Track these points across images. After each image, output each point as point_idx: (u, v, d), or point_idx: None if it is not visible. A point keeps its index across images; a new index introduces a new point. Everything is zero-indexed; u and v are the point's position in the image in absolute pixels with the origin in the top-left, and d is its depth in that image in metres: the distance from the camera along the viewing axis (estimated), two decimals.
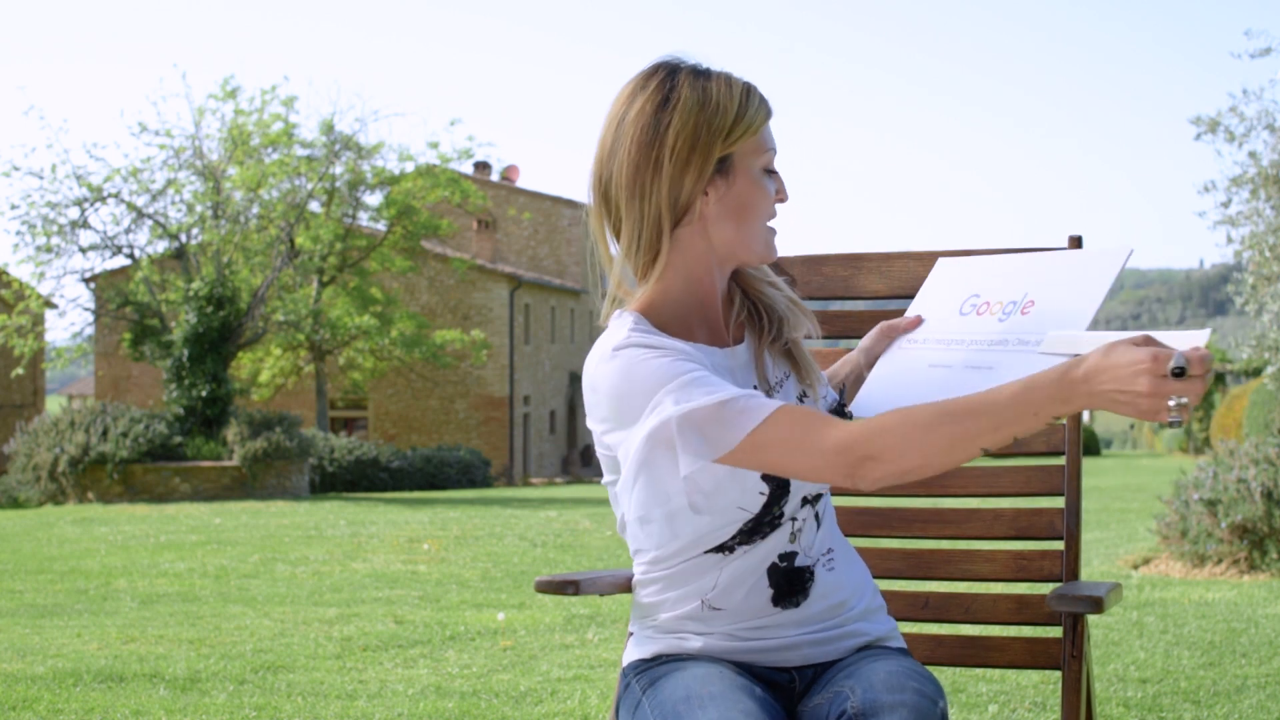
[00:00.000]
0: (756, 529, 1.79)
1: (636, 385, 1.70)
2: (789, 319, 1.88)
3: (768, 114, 1.81)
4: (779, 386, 1.86)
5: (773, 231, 1.85)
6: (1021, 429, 1.58)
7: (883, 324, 2.05)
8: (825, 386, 1.94)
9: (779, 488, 1.77)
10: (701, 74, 1.80)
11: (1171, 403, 1.50)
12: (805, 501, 1.83)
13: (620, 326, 1.79)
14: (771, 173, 1.84)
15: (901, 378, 1.95)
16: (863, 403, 1.95)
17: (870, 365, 2.05)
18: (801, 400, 1.87)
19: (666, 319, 1.82)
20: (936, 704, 1.68)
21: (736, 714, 1.64)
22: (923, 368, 1.93)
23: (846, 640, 1.86)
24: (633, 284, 1.84)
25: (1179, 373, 1.49)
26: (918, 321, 2.02)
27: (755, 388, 1.83)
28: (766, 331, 1.87)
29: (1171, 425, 1.53)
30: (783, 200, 1.85)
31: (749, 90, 1.80)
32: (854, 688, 1.70)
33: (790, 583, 1.82)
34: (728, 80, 1.80)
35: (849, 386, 2.06)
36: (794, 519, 1.82)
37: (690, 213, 1.78)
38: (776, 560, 1.81)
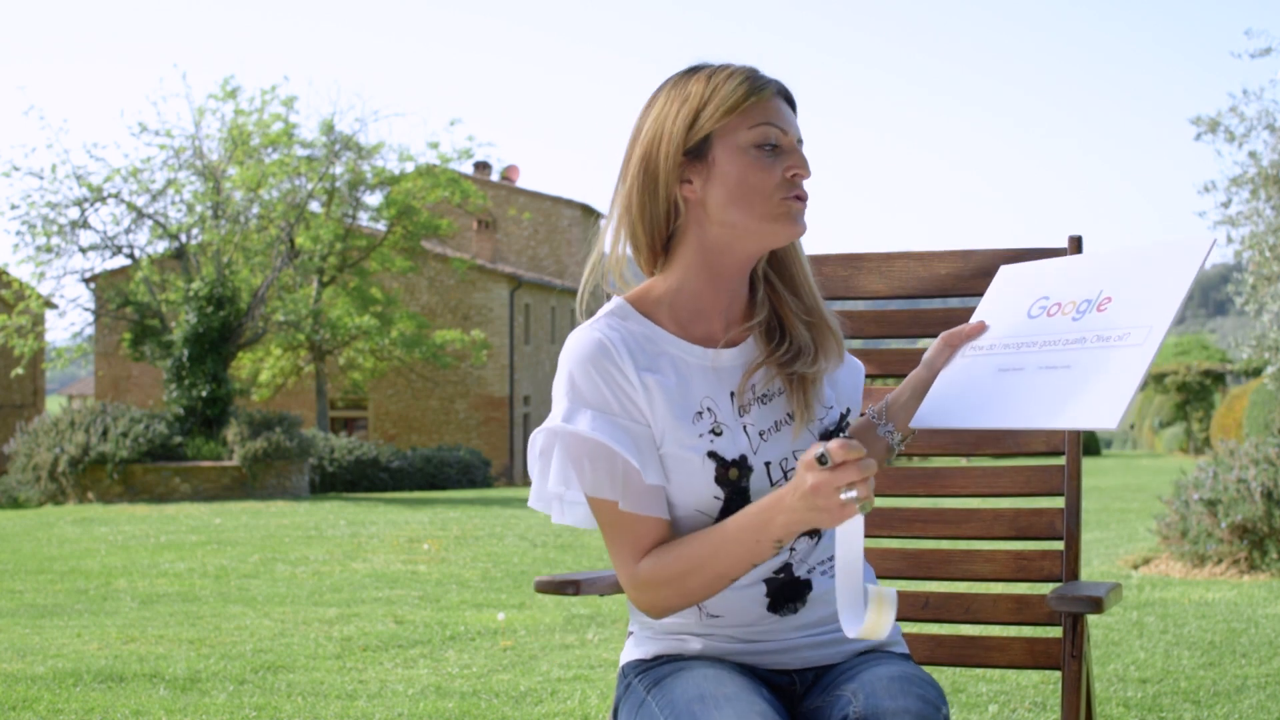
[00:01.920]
0: None
1: (560, 379, 1.78)
2: (808, 354, 1.82)
3: (753, 89, 1.77)
4: (763, 401, 1.81)
5: (790, 202, 1.77)
6: (765, 559, 1.68)
7: (944, 335, 1.93)
8: (830, 409, 1.87)
9: (736, 494, 1.75)
10: (693, 70, 1.80)
11: (843, 496, 1.55)
12: (806, 532, 1.79)
13: (601, 311, 1.83)
14: (773, 148, 1.77)
15: (969, 385, 1.86)
16: (928, 414, 1.88)
17: (935, 379, 1.94)
18: (790, 419, 1.81)
19: (659, 308, 1.82)
20: (939, 710, 1.67)
21: (753, 715, 1.63)
22: (991, 373, 1.85)
23: (848, 644, 1.84)
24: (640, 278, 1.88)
25: (823, 461, 1.56)
26: (981, 328, 1.92)
27: (732, 395, 1.80)
28: (776, 352, 1.82)
29: (864, 512, 1.57)
30: (799, 175, 1.77)
31: (731, 73, 1.78)
32: (856, 692, 1.69)
33: (787, 592, 1.81)
34: (711, 71, 1.79)
35: (911, 403, 1.93)
36: (792, 548, 1.81)
37: (675, 204, 1.79)
38: (773, 573, 1.80)
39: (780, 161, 1.77)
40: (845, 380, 1.93)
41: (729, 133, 1.76)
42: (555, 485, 1.75)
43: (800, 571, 1.82)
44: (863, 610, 1.62)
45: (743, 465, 1.76)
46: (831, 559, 1.84)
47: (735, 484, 1.75)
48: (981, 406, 1.82)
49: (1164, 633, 5.67)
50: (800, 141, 1.81)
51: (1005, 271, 2.02)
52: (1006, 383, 1.81)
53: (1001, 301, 1.97)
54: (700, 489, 1.75)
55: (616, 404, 1.74)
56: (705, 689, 1.70)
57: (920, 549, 2.41)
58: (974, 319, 1.95)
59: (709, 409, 1.78)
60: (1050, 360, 1.78)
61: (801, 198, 1.78)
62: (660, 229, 1.81)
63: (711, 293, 1.82)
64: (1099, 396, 1.68)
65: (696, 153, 1.77)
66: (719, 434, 1.77)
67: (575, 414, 1.74)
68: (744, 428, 1.78)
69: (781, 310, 1.85)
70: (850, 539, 1.61)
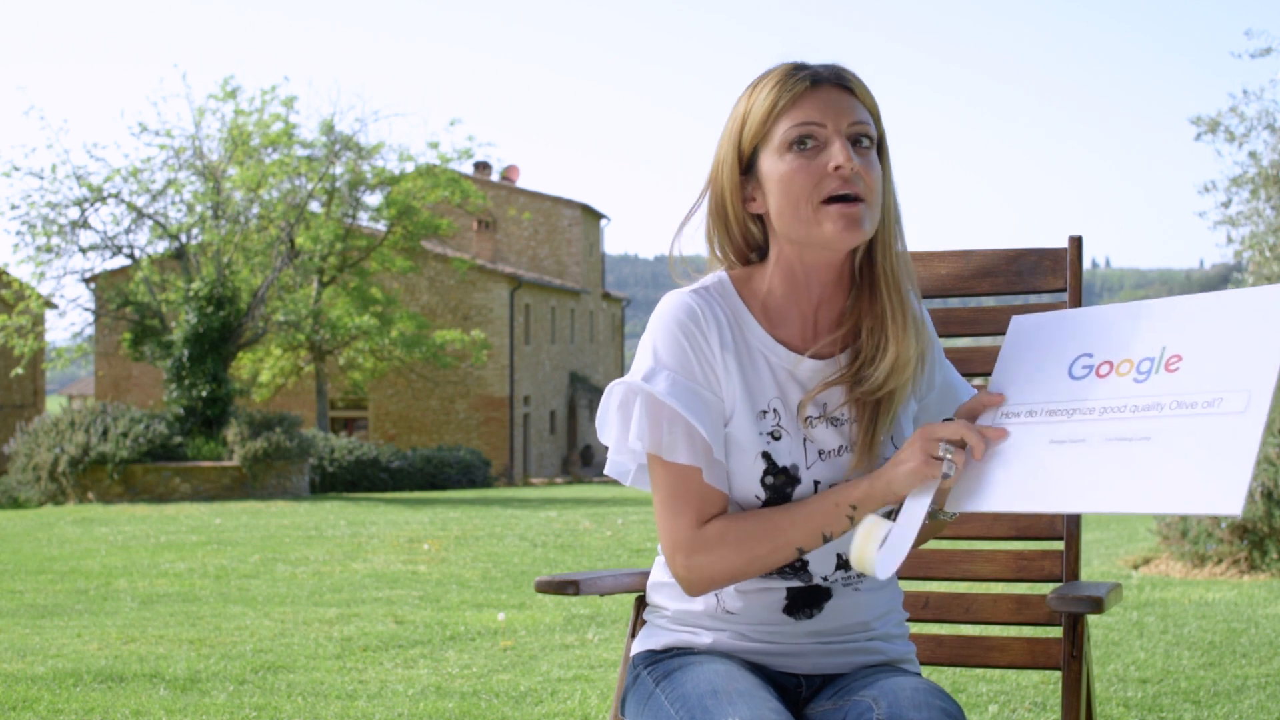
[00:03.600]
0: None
1: (647, 337, 1.77)
2: (874, 376, 1.75)
3: (783, 91, 1.70)
4: (833, 423, 1.77)
5: (837, 217, 1.68)
6: (835, 530, 1.69)
7: (961, 409, 1.72)
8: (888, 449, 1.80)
9: (778, 498, 1.75)
10: (759, 80, 1.75)
11: (940, 447, 1.59)
12: (840, 563, 1.79)
13: (702, 281, 1.81)
14: (810, 144, 1.69)
15: (1020, 461, 1.63)
16: (977, 497, 1.63)
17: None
18: (839, 453, 1.77)
19: (755, 299, 1.80)
20: None
21: (767, 711, 1.62)
22: (1044, 445, 1.62)
23: (859, 656, 1.84)
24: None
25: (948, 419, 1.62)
26: (1000, 399, 1.70)
27: (800, 406, 1.75)
28: (849, 376, 1.77)
29: (945, 476, 1.58)
30: (840, 168, 1.66)
31: (766, 79, 1.74)
32: (877, 699, 1.67)
33: (806, 597, 1.81)
34: (754, 83, 1.75)
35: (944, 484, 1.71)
36: (825, 578, 1.79)
37: (747, 224, 1.79)
38: (799, 581, 1.80)
39: (821, 157, 1.69)
40: (936, 416, 1.88)
41: (768, 141, 1.72)
42: (634, 441, 1.74)
43: (823, 582, 1.81)
44: (895, 560, 1.62)
45: (791, 475, 1.75)
46: (861, 576, 1.82)
47: (780, 489, 1.74)
48: (1048, 487, 1.59)
49: (1164, 633, 5.67)
50: (860, 124, 1.70)
51: (1020, 324, 1.80)
52: (1070, 458, 1.59)
53: (1029, 359, 1.75)
54: (747, 482, 1.75)
55: (699, 370, 1.74)
56: (717, 684, 1.69)
57: (920, 549, 2.40)
58: (995, 381, 1.74)
59: (775, 410, 1.76)
60: (1120, 431, 1.58)
61: (847, 196, 1.68)
62: (740, 248, 1.81)
63: (794, 301, 1.78)
64: (1207, 475, 1.49)
65: (750, 169, 1.75)
66: (778, 438, 1.75)
67: (655, 374, 1.73)
68: (804, 441, 1.76)
69: (877, 323, 1.76)
70: (918, 503, 1.61)
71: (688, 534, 1.72)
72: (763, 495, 1.75)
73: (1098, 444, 1.58)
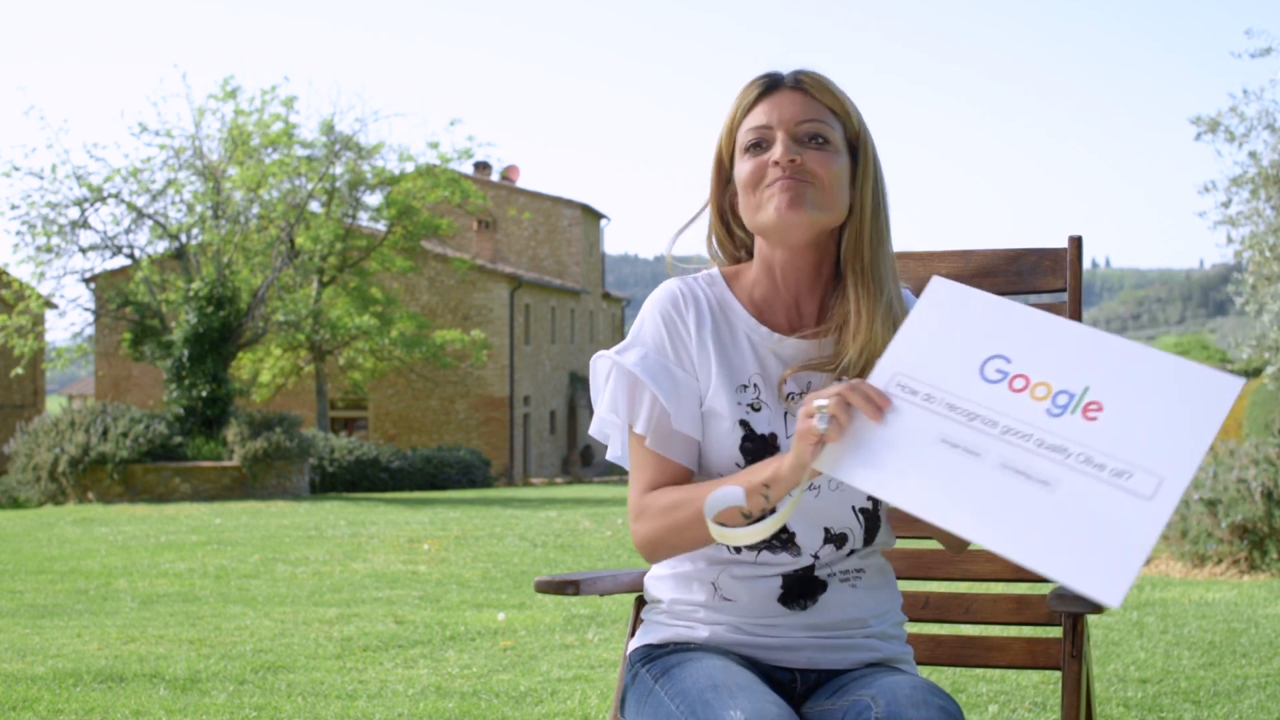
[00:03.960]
0: (764, 543, 1.80)
1: (635, 326, 1.88)
2: (849, 362, 1.78)
3: (741, 103, 1.85)
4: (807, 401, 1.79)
5: (777, 194, 1.76)
6: (753, 509, 1.68)
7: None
8: None
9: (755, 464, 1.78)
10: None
11: (816, 403, 1.57)
12: (829, 538, 1.82)
13: (695, 271, 1.92)
14: (759, 145, 1.81)
15: (904, 445, 1.52)
16: (852, 467, 1.54)
17: None
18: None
19: (743, 290, 1.89)
20: None
21: (767, 704, 1.64)
22: (931, 439, 1.51)
23: (855, 653, 1.85)
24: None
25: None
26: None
27: (780, 383, 1.81)
28: (829, 361, 1.81)
29: (822, 430, 1.54)
30: (778, 163, 1.77)
31: (736, 95, 1.86)
32: (876, 698, 1.68)
33: (801, 587, 1.83)
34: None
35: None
36: (816, 555, 1.82)
37: (732, 227, 1.92)
38: (794, 569, 1.82)
39: (766, 155, 1.81)
40: None
41: (735, 148, 1.85)
42: (606, 411, 1.85)
43: (821, 573, 1.83)
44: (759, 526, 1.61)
45: (770, 442, 1.80)
46: (859, 571, 1.86)
47: (759, 457, 1.79)
48: (925, 490, 1.49)
49: (1164, 633, 5.67)
50: (809, 122, 1.79)
51: (940, 288, 1.65)
52: (958, 468, 1.48)
53: (941, 334, 1.61)
54: (725, 452, 1.80)
55: (671, 348, 1.83)
56: (717, 678, 1.71)
57: (920, 549, 2.40)
58: (902, 340, 1.63)
59: (755, 384, 1.83)
60: (1018, 461, 1.47)
61: (789, 180, 1.77)
62: (731, 250, 1.93)
63: (776, 295, 1.87)
64: (1095, 555, 1.39)
65: (728, 180, 1.88)
66: (757, 409, 1.81)
67: (630, 348, 1.84)
68: (785, 414, 1.82)
69: (848, 314, 1.81)
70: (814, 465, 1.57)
71: (636, 499, 1.82)
72: (742, 462, 1.80)
73: (991, 466, 1.47)
